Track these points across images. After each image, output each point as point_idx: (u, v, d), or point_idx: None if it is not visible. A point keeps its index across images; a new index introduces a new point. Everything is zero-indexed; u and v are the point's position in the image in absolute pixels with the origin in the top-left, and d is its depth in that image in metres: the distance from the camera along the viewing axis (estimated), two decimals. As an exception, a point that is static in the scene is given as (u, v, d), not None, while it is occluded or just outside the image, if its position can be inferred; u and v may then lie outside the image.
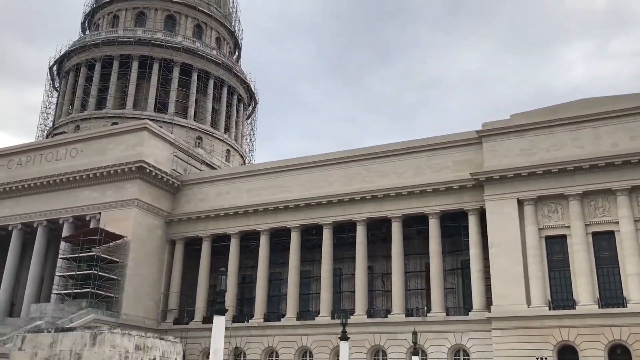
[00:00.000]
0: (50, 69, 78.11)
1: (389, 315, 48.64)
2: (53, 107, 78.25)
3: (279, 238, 56.65)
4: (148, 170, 57.01)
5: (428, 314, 47.43)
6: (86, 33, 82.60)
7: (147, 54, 71.80)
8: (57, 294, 53.00)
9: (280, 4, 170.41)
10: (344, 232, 53.95)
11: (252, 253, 58.24)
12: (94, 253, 51.90)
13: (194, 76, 73.86)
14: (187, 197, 60.81)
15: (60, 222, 59.39)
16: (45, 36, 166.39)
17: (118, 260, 53.58)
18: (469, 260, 49.32)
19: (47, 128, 76.63)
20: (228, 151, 76.43)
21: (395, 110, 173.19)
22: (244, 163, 79.20)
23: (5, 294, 59.59)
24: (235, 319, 53.09)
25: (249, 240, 57.87)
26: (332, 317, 49.98)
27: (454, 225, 50.36)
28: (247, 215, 56.67)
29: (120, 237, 54.29)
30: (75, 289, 51.58)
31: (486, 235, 46.95)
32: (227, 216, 57.49)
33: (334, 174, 54.54)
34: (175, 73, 72.58)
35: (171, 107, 71.40)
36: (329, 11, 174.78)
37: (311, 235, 55.33)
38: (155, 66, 71.94)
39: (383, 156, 52.81)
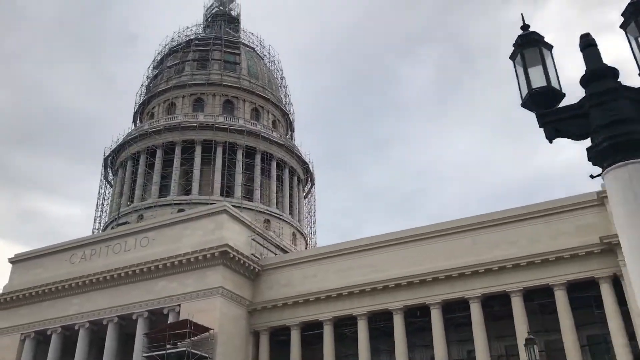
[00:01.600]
0: (106, 159, 76.19)
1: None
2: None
3: (377, 322, 51.84)
4: (231, 256, 53.13)
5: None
6: (138, 123, 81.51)
7: (211, 138, 70.02)
8: (142, 397, 47.50)
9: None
10: (452, 311, 49.32)
11: (344, 341, 53.23)
12: (184, 349, 47.01)
13: (258, 158, 71.71)
14: (268, 283, 56.46)
15: (134, 317, 54.62)
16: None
17: (207, 356, 48.55)
18: (597, 335, 44.97)
19: (99, 220, 73.58)
20: (294, 234, 72.83)
21: (393, 199, 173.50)
22: (307, 246, 75.36)
23: (76, 400, 53.97)
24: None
25: (342, 326, 53.00)
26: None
27: (576, 297, 45.90)
28: (341, 299, 52.14)
29: (207, 329, 49.54)
30: (164, 391, 46.26)
31: (621, 305, 42.65)
32: (317, 301, 52.93)
33: (434, 248, 50.63)
34: (239, 156, 70.44)
35: (237, 191, 68.61)
36: (322, 108, 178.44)
37: (415, 317, 50.62)
38: (219, 150, 69.93)
39: (491, 225, 49.20)
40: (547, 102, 7.00)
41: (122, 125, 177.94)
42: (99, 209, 72.95)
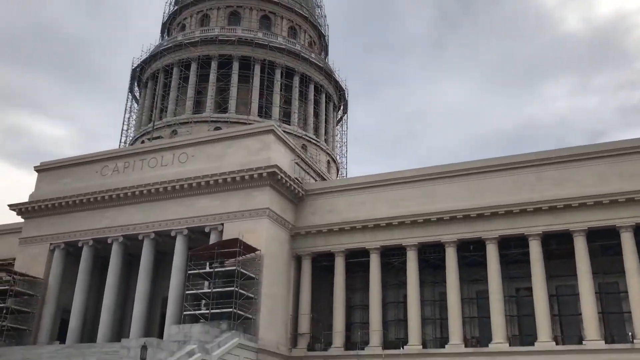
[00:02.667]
0: (134, 70, 72.37)
1: (584, 342, 42.51)
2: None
3: (425, 254, 50.62)
4: (279, 177, 51.01)
5: (635, 340, 41.33)
6: (167, 36, 77.19)
7: (249, 55, 66.41)
8: (190, 314, 46.14)
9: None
10: (509, 247, 48.09)
11: (389, 271, 52.25)
12: (234, 267, 45.54)
13: (296, 80, 68.43)
14: (311, 208, 54.70)
15: (173, 234, 52.93)
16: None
17: (254, 276, 47.24)
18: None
19: (126, 134, 70.62)
20: (328, 162, 70.68)
21: (380, 141, 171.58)
22: (338, 174, 73.48)
23: (110, 313, 52.88)
24: (386, 346, 47.16)
25: (387, 256, 51.80)
26: (510, 344, 44.15)
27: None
28: (390, 229, 50.62)
29: (255, 250, 48.03)
30: (213, 308, 44.96)
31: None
32: (364, 229, 51.40)
33: (495, 182, 48.81)
34: (278, 76, 67.20)
35: (275, 112, 65.73)
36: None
37: (467, 251, 49.41)
38: (257, 68, 66.48)
39: (557, 162, 47.31)
40: None
41: (116, 45, 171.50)
42: (126, 123, 69.93)
